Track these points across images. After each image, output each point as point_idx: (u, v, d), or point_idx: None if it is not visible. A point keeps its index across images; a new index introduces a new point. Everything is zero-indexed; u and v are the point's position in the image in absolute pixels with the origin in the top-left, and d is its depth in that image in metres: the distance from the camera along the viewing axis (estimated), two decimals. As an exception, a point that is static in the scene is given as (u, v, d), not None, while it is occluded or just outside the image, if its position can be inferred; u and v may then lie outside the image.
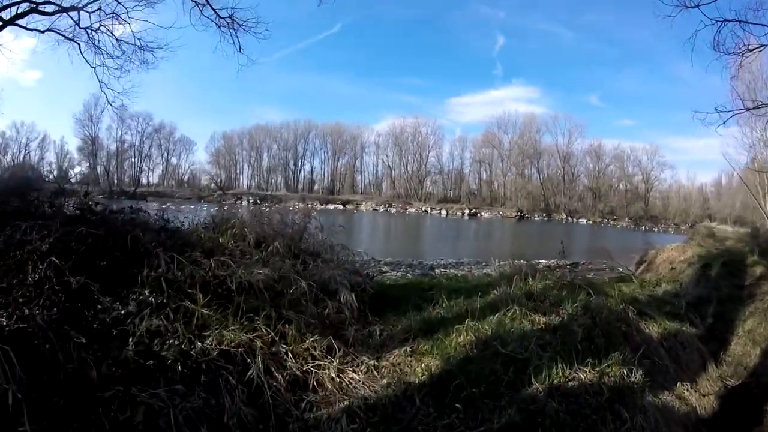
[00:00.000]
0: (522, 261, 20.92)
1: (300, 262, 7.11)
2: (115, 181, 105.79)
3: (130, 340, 4.22)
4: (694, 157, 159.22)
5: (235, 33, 14.93)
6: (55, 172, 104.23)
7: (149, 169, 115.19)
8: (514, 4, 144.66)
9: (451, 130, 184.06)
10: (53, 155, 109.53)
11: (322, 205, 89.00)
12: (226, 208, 12.45)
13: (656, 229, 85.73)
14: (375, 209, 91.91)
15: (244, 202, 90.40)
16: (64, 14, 14.91)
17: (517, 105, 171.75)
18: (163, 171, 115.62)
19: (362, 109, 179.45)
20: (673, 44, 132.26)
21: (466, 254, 25.91)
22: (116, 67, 15.75)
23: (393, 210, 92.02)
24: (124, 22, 15.36)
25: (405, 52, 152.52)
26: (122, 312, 4.47)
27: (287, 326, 5.37)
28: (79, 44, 15.39)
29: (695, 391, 7.34)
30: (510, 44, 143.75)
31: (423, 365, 5.48)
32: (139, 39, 15.62)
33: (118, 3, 14.86)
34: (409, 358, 5.68)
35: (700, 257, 16.22)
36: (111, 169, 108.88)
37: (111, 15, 15.11)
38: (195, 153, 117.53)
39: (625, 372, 5.30)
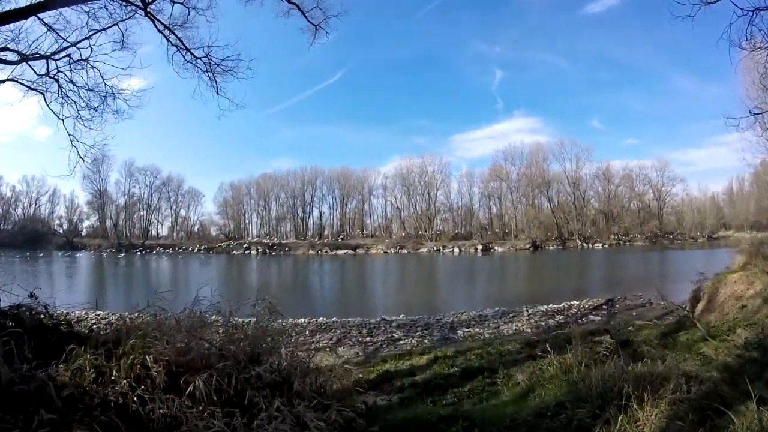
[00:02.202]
0: (551, 307, 19.31)
1: (245, 409, 4.68)
2: (126, 234, 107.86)
3: None
4: (697, 168, 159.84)
5: (213, 74, 13.70)
6: (65, 226, 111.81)
7: (158, 221, 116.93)
8: (509, 38, 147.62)
9: (458, 167, 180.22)
10: (63, 209, 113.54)
11: (332, 251, 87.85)
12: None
13: (673, 246, 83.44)
14: (386, 252, 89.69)
15: (253, 251, 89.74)
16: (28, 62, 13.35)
17: (520, 136, 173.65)
18: (172, 223, 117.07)
19: (368, 153, 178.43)
20: (668, 60, 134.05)
21: (486, 300, 23.95)
22: (87, 118, 13.94)
23: (405, 251, 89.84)
24: (93, 69, 13.63)
25: (407, 94, 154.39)
26: None
27: None
28: (43, 94, 13.62)
29: None
30: (508, 77, 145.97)
31: None
32: (110, 87, 13.90)
33: (90, 47, 13.22)
34: None
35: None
36: (120, 222, 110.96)
37: (80, 61, 13.51)
38: (203, 204, 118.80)
39: None
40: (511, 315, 17.43)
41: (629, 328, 12.16)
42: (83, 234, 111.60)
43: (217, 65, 13.60)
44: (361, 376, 8.19)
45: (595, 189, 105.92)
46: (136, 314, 6.36)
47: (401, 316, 18.11)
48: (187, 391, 4.58)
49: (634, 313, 17.36)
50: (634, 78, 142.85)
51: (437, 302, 24.80)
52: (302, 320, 17.66)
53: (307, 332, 15.04)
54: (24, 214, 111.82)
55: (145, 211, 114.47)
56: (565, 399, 5.68)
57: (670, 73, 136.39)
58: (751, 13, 8.70)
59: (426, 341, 13.18)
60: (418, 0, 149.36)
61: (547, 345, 9.58)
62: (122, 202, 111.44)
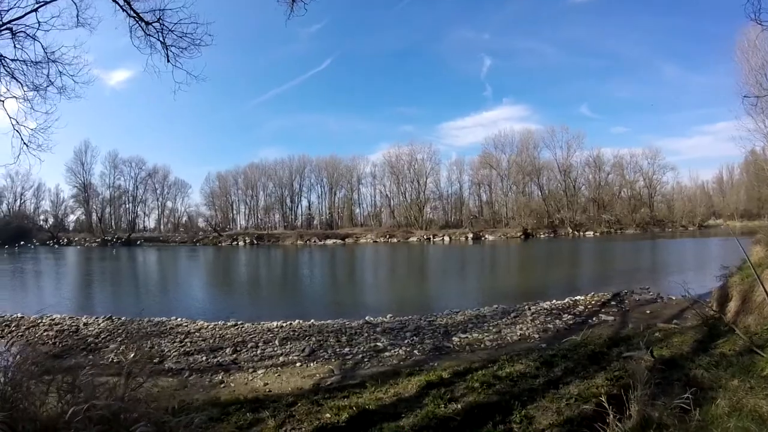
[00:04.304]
0: (555, 303, 17.42)
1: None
2: (112, 227, 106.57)
3: None
4: (684, 157, 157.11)
5: (163, 38, 11.56)
6: (51, 221, 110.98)
7: (145, 214, 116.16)
8: (498, 24, 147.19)
9: (447, 155, 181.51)
10: (49, 203, 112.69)
11: (321, 240, 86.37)
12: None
13: (664, 234, 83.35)
14: (376, 241, 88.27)
15: (241, 243, 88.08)
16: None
17: (509, 124, 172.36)
18: (159, 215, 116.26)
19: (356, 142, 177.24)
20: (654, 49, 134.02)
21: (482, 295, 22.22)
22: (27, 98, 12.33)
23: (394, 240, 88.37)
24: (36, 43, 11.85)
25: (395, 83, 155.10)
26: None
27: None
28: None
29: None
30: (497, 65, 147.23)
31: None
32: (54, 62, 12.00)
33: (38, 19, 11.46)
34: None
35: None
36: (106, 215, 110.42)
37: (24, 36, 11.78)
38: (190, 196, 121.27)
39: None
40: (512, 314, 15.42)
41: (656, 334, 10.25)
42: (70, 228, 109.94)
43: (170, 30, 11.45)
44: (328, 417, 6.22)
45: (585, 177, 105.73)
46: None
47: (388, 317, 16.12)
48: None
49: (648, 311, 15.59)
50: (621, 66, 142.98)
51: (429, 298, 22.97)
52: (275, 324, 15.71)
53: (276, 341, 13.03)
54: (9, 209, 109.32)
55: (131, 204, 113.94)
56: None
57: (656, 62, 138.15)
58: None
59: (416, 352, 11.16)
60: None
61: (568, 363, 7.70)
62: (108, 195, 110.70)
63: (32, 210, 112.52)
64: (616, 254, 48.73)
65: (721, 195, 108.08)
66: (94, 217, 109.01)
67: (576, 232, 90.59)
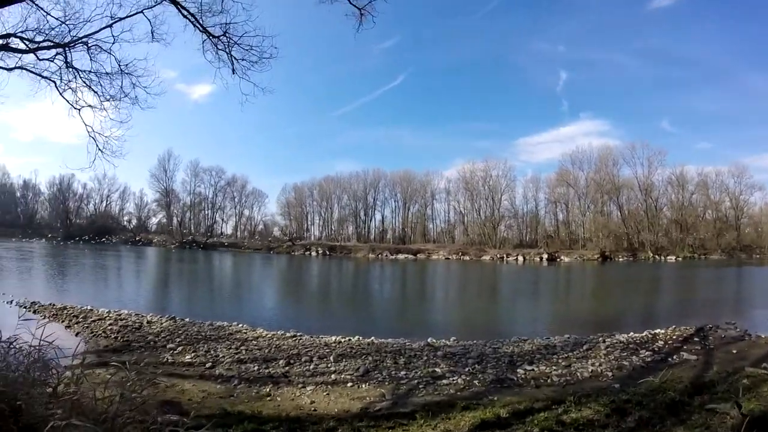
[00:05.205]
0: (632, 336, 16.13)
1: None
2: (191, 231, 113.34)
3: None
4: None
5: (230, 51, 12.60)
6: (134, 222, 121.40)
7: (223, 220, 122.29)
8: (572, 36, 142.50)
9: (523, 171, 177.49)
10: (133, 206, 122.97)
11: (392, 255, 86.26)
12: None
13: (752, 261, 77.69)
14: (447, 258, 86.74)
15: (314, 253, 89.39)
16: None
17: (587, 140, 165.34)
18: (236, 222, 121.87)
19: (430, 156, 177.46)
20: (741, 57, 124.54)
21: (554, 322, 21.14)
22: (102, 108, 13.26)
23: (467, 258, 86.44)
24: (111, 57, 12.83)
25: (470, 97, 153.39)
26: None
27: None
28: (55, 82, 12.87)
29: None
30: (573, 78, 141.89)
31: None
32: (128, 74, 13.03)
33: (112, 36, 12.47)
34: None
35: None
36: (185, 220, 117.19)
37: (99, 50, 12.70)
38: (267, 205, 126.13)
39: None
40: (584, 346, 14.16)
41: (744, 380, 9.01)
42: (151, 230, 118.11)
43: (236, 43, 12.48)
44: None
45: (667, 196, 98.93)
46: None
47: (451, 340, 15.34)
48: None
49: (735, 350, 13.88)
50: (705, 76, 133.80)
51: (497, 322, 21.93)
52: (334, 339, 15.39)
53: (331, 357, 12.60)
54: (95, 209, 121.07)
55: (209, 210, 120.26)
56: None
57: (740, 71, 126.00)
58: None
59: (476, 382, 10.30)
60: (478, 0, 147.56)
61: (642, 413, 6.78)
62: (188, 201, 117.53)
63: (117, 211, 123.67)
64: (699, 282, 45.67)
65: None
66: (174, 220, 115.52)
67: (657, 256, 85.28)
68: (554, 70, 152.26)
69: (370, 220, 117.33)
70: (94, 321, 17.54)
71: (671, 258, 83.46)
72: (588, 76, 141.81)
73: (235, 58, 12.67)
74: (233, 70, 12.75)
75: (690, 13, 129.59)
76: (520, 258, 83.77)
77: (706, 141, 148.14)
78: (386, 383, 10.31)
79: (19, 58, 12.67)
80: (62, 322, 17.57)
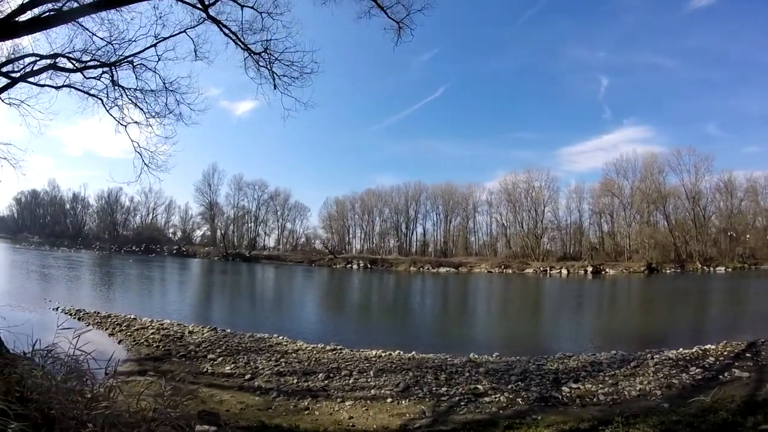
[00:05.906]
0: (681, 353, 15.45)
1: None
2: (234, 244, 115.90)
3: None
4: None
5: (271, 67, 13.09)
6: (179, 234, 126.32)
7: (265, 233, 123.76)
8: (611, 41, 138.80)
9: (566, 182, 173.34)
10: (178, 218, 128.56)
11: (434, 268, 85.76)
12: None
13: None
14: (490, 271, 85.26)
15: (355, 266, 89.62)
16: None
17: (631, 147, 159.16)
18: (278, 235, 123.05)
19: (472, 168, 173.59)
20: None
21: (599, 337, 20.37)
22: (148, 124, 14.09)
23: (509, 271, 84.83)
24: (156, 75, 13.60)
25: (511, 107, 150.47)
26: None
27: None
28: (102, 99, 13.66)
29: None
30: (614, 84, 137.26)
31: None
32: (172, 91, 13.79)
33: (156, 53, 13.24)
34: None
35: None
36: (229, 232, 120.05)
37: (144, 69, 13.42)
38: (309, 218, 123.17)
39: None
40: (632, 363, 13.56)
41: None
42: (196, 242, 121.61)
43: (276, 59, 13.00)
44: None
45: (716, 204, 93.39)
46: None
47: (494, 356, 15.02)
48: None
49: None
50: (751, 76, 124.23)
51: (541, 337, 21.42)
52: (374, 353, 15.29)
53: (371, 372, 12.46)
54: (142, 222, 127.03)
55: (252, 223, 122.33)
56: None
57: None
58: None
59: (519, 400, 9.95)
60: (516, 9, 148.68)
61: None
62: (232, 214, 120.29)
63: (163, 223, 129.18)
64: (750, 293, 43.53)
65: None
66: (218, 233, 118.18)
67: (705, 267, 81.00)
68: (595, 76, 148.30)
69: (412, 234, 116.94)
70: (136, 329, 18.00)
71: (720, 269, 79.21)
72: (630, 81, 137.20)
73: (276, 74, 13.13)
74: (275, 86, 13.21)
75: (730, 11, 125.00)
76: (564, 271, 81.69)
77: (754, 144, 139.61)
78: (427, 400, 10.10)
79: (67, 77, 13.41)
80: (106, 329, 18.16)
